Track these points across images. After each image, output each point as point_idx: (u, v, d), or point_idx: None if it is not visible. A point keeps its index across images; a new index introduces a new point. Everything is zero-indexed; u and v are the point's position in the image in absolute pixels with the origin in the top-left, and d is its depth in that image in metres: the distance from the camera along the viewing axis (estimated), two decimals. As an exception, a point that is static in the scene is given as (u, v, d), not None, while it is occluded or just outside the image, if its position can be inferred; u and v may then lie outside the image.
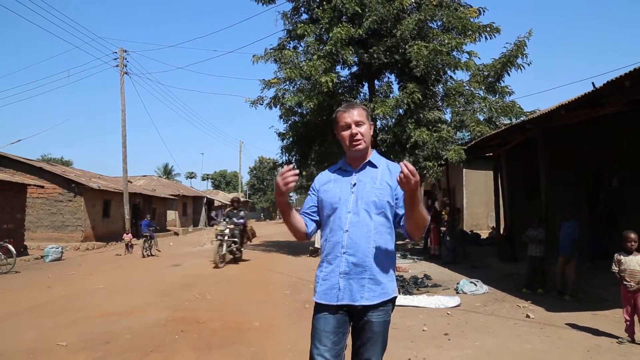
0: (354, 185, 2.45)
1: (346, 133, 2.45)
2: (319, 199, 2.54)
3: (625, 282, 5.31)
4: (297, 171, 2.28)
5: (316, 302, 2.42)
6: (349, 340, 2.43)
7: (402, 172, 2.10)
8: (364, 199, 2.39)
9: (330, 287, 2.37)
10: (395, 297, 2.45)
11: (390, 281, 2.41)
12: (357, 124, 2.43)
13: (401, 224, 2.41)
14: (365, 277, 2.34)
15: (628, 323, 5.35)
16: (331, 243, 2.41)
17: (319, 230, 2.62)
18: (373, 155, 2.54)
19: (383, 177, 2.44)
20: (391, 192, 2.41)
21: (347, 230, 2.37)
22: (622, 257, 5.38)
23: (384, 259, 2.38)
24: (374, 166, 2.50)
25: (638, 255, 5.34)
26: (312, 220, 2.55)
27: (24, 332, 5.83)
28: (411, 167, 2.11)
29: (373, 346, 2.34)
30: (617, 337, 5.40)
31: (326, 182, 2.55)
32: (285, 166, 2.33)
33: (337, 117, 2.51)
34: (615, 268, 5.42)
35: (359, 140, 2.43)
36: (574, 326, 6.02)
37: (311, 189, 2.63)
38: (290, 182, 2.25)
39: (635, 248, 5.36)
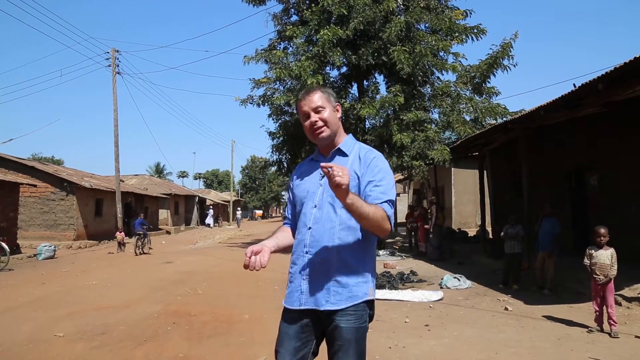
0: (323, 177, 2.17)
1: (307, 123, 2.22)
2: (293, 196, 2.34)
3: (595, 276, 5.61)
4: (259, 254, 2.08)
5: (284, 305, 2.22)
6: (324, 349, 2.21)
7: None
8: (330, 192, 2.03)
9: (294, 290, 2.16)
10: (369, 301, 2.16)
11: (361, 283, 2.12)
12: (317, 110, 2.19)
13: None
14: (329, 279, 2.09)
15: (597, 314, 5.67)
16: (297, 241, 2.22)
17: None
18: (345, 142, 2.28)
19: (352, 166, 2.17)
20: (357, 182, 2.14)
21: (310, 228, 2.15)
22: (593, 251, 5.67)
23: (351, 258, 2.12)
24: (344, 154, 2.24)
25: (608, 249, 5.63)
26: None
27: (22, 325, 6.05)
28: (335, 168, 1.82)
29: (345, 355, 2.07)
30: (587, 327, 5.71)
31: (299, 175, 2.34)
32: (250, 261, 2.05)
33: (297, 107, 2.27)
34: (587, 261, 5.72)
35: (319, 127, 2.19)
36: (549, 318, 6.33)
37: (288, 186, 2.42)
38: (265, 261, 2.07)
39: (605, 242, 5.64)
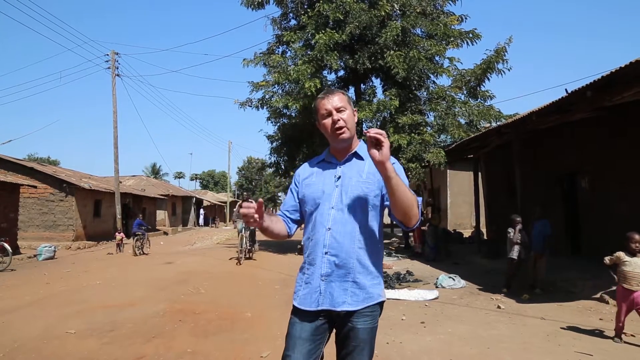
0: (339, 178, 2.23)
1: (327, 121, 2.21)
2: (300, 195, 2.33)
3: (626, 285, 5.26)
4: (252, 204, 2.07)
5: (294, 306, 2.23)
6: (332, 349, 2.25)
7: (370, 137, 1.94)
8: (349, 194, 2.17)
9: (312, 291, 2.16)
10: (383, 302, 2.23)
11: (376, 284, 2.19)
12: (339, 110, 2.20)
13: (390, 213, 2.21)
14: (348, 280, 2.13)
15: (620, 324, 5.34)
16: (313, 242, 2.20)
17: None
18: (360, 146, 2.30)
19: (370, 169, 2.20)
20: (379, 185, 2.18)
21: (329, 228, 2.15)
22: (627, 258, 5.30)
23: (369, 260, 2.18)
24: (361, 158, 2.26)
25: None
26: (292, 221, 2.38)
27: (33, 322, 6.26)
28: (377, 131, 1.95)
29: (359, 355, 2.12)
30: (576, 325, 5.94)
31: (308, 175, 2.34)
32: (244, 204, 2.07)
33: (316, 105, 2.27)
34: (607, 260, 5.42)
35: (341, 127, 2.19)
36: (539, 316, 6.58)
37: (293, 183, 2.42)
38: (256, 214, 2.05)
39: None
